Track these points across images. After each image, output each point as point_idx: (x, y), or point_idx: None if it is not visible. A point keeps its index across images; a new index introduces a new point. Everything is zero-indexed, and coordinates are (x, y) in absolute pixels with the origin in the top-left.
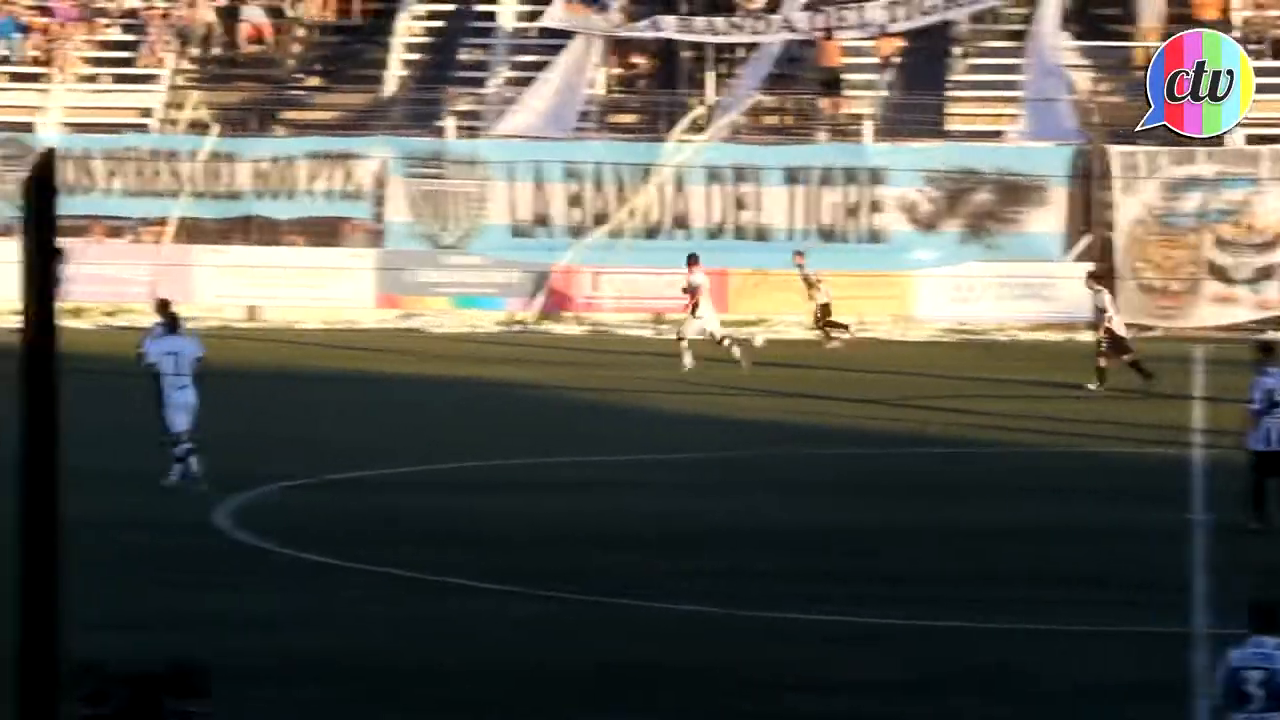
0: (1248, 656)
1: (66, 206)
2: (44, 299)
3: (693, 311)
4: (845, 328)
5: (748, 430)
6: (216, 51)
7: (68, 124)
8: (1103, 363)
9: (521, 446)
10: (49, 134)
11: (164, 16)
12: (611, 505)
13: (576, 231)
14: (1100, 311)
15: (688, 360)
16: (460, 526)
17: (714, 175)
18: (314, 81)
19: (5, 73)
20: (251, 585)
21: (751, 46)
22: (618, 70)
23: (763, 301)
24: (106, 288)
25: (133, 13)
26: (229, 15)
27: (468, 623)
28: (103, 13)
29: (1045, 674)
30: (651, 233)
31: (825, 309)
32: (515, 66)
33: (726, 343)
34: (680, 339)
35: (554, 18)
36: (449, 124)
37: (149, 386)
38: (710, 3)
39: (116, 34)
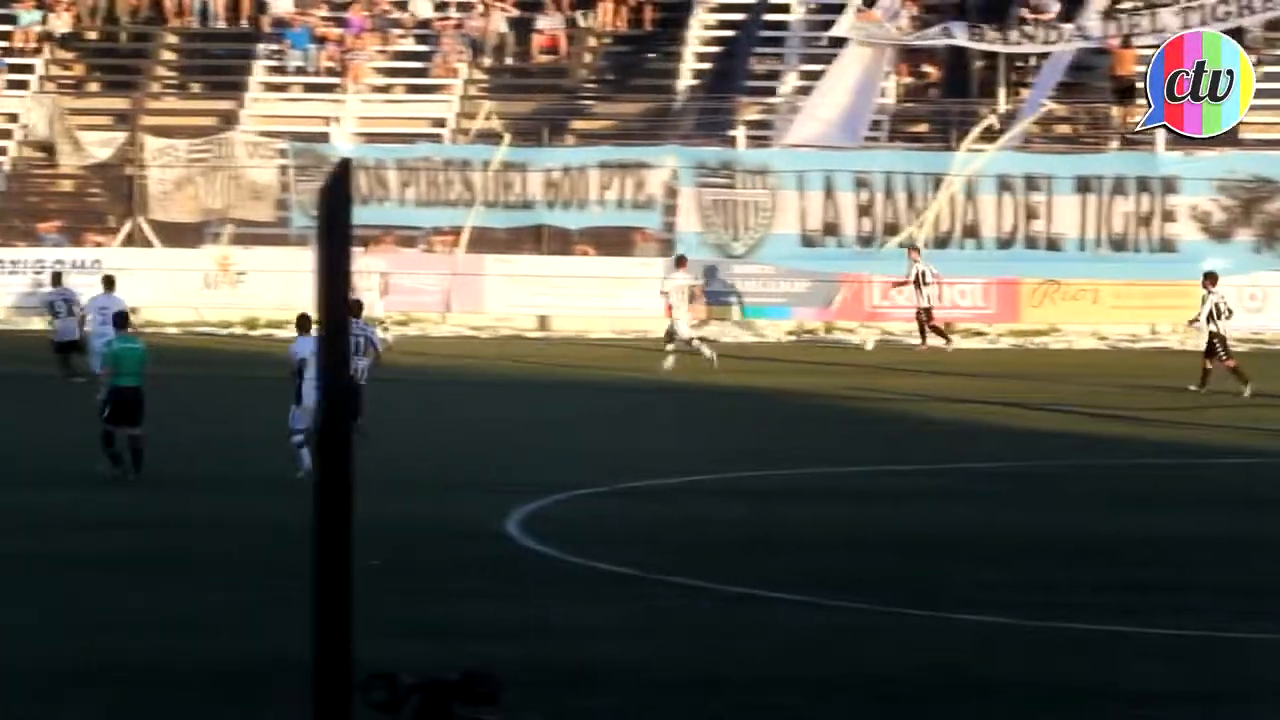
0: None
1: (361, 216)
2: (338, 307)
3: (669, 313)
4: (948, 338)
5: (1033, 441)
6: (508, 61)
7: (360, 134)
8: (1209, 365)
9: (807, 455)
10: (342, 144)
11: (457, 27)
12: (897, 513)
13: (866, 241)
14: (1212, 315)
15: (668, 362)
16: (742, 534)
17: (1005, 184)
18: (604, 91)
19: (300, 83)
20: (539, 593)
21: (1043, 55)
22: (908, 79)
23: (1053, 311)
24: (399, 297)
25: (425, 24)
26: (521, 26)
27: (748, 632)
28: (396, 24)
29: None
30: (942, 242)
31: (927, 313)
32: (805, 76)
33: (695, 343)
34: (669, 342)
35: (845, 27)
36: (739, 133)
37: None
38: (998, 11)
39: (409, 45)
